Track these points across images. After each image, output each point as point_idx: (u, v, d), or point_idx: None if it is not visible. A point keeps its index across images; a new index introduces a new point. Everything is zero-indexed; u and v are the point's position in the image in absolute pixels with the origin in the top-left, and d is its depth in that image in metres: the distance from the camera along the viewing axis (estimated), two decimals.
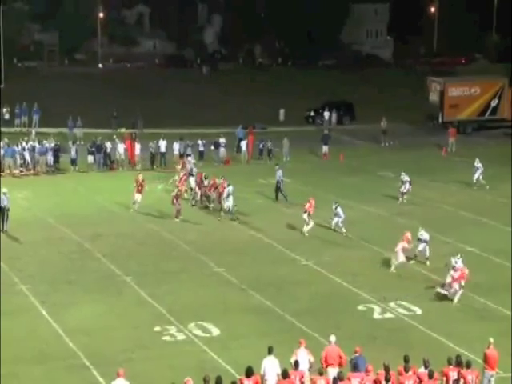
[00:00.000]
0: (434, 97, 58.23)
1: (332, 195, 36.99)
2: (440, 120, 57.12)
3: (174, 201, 35.06)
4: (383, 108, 59.82)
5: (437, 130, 55.85)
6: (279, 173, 38.34)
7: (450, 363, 19.28)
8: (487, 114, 58.15)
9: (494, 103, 58.08)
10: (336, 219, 33.55)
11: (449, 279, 26.31)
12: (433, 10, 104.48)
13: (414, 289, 27.36)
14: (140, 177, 36.42)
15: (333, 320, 24.57)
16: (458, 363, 19.26)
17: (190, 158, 42.99)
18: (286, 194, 38.08)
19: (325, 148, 48.97)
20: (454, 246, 31.69)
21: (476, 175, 40.32)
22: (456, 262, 26.36)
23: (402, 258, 28.93)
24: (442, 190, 40.06)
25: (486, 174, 41.82)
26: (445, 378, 19.09)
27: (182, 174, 37.95)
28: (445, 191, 39.33)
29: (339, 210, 33.51)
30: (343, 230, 33.37)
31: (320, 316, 25.02)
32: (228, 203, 35.03)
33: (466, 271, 26.13)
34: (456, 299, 25.98)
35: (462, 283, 25.98)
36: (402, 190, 37.67)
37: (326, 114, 59.82)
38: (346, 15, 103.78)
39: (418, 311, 25.56)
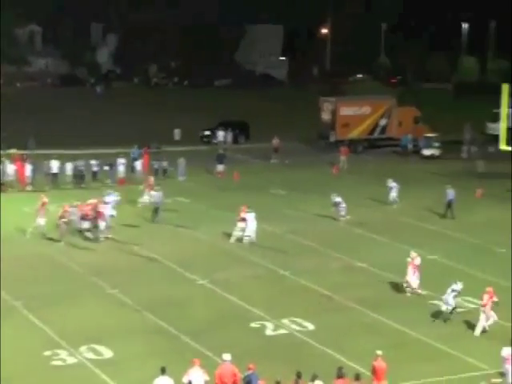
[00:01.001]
0: (326, 116, 59.31)
1: (228, 213, 37.20)
2: (332, 139, 58.24)
3: (59, 222, 34.27)
4: (277, 127, 60.57)
5: (329, 148, 56.90)
6: (159, 194, 38.17)
7: (339, 376, 19.69)
8: (377, 132, 59.70)
9: (382, 123, 59.68)
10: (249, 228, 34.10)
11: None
12: (325, 31, 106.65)
13: (307, 305, 27.73)
14: (44, 199, 35.32)
15: (227, 338, 24.63)
16: (341, 375, 19.70)
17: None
18: (157, 216, 37.72)
19: (220, 167, 49.24)
20: (345, 262, 32.42)
21: (392, 194, 41.13)
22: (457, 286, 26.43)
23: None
24: (331, 205, 40.77)
25: (376, 191, 42.91)
26: None
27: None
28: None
29: (250, 216, 33.96)
30: (246, 240, 33.95)
31: (214, 335, 25.05)
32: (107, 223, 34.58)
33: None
34: (487, 326, 25.46)
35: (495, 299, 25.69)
36: (341, 211, 38.16)
37: (221, 134, 60.15)
38: (241, 36, 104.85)
39: (311, 327, 25.90)
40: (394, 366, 21.25)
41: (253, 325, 26.01)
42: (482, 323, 25.46)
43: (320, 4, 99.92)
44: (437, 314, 26.80)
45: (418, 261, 28.99)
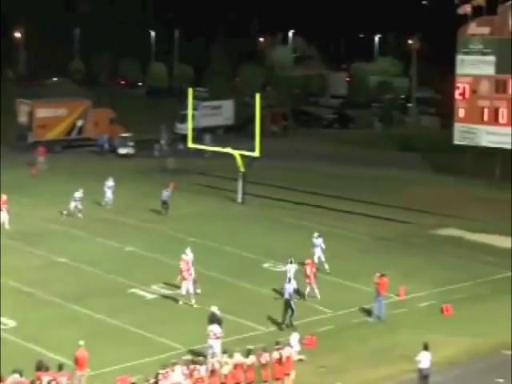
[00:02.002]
0: (23, 118, 57.32)
1: None
2: (30, 140, 56.38)
3: None
4: None
5: (27, 149, 54.98)
6: None
7: (39, 369, 19.11)
8: (74, 133, 58.83)
9: (79, 123, 58.96)
10: None
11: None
12: (18, 35, 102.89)
13: (8, 303, 26.47)
14: None
15: None
16: (42, 368, 19.18)
17: None
18: None
19: None
20: (46, 258, 31.55)
21: (107, 194, 40.11)
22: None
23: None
24: (32, 205, 39.50)
25: (74, 189, 42.15)
26: (38, 382, 18.87)
27: None
28: (35, 206, 38.87)
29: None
30: None
31: None
32: None
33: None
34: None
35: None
36: (77, 206, 37.53)
37: None
38: None
39: (12, 324, 24.87)
40: (95, 353, 21.09)
41: None
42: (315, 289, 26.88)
43: (15, 6, 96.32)
44: (140, 302, 27.09)
45: (188, 257, 27.69)
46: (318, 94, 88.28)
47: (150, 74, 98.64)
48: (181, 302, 26.62)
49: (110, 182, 40.63)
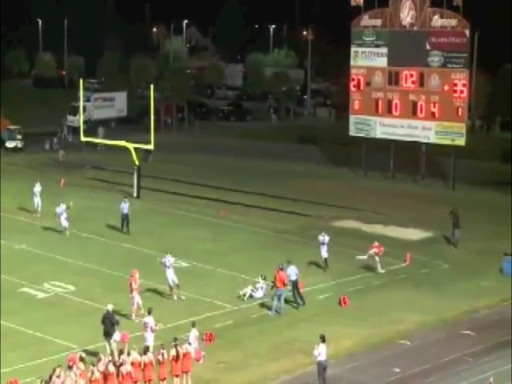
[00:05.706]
0: None
1: None
2: None
3: None
4: None
5: None
6: None
7: None
8: None
9: None
10: None
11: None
12: None
13: None
14: None
15: None
16: None
17: None
18: None
19: None
20: None
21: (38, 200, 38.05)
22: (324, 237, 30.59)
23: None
24: None
25: None
26: None
27: None
28: None
29: None
30: None
31: None
32: None
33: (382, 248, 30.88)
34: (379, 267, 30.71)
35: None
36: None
37: None
38: None
39: None
40: None
41: None
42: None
43: None
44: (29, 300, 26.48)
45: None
46: (214, 86, 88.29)
47: (38, 65, 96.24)
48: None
49: (38, 187, 38.17)
